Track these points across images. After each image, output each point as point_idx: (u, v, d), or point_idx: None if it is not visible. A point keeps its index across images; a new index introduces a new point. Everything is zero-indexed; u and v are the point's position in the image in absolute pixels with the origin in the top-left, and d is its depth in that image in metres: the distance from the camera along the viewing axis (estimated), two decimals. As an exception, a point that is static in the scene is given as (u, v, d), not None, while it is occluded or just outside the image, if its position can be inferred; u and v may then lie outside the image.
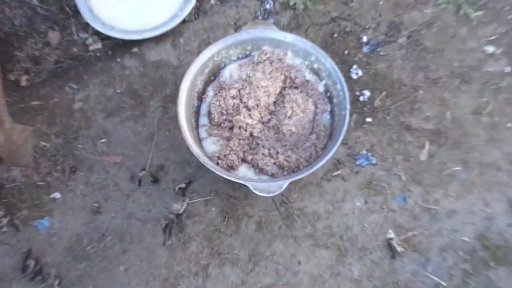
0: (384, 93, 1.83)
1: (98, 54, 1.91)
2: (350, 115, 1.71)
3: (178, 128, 1.52)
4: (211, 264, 1.62)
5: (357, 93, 1.84)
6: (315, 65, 1.64)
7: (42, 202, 1.69)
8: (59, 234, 1.66)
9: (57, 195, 1.70)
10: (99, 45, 1.90)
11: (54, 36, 1.91)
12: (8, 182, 1.70)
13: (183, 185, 1.71)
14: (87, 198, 1.70)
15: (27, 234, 1.65)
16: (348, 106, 1.51)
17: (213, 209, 1.68)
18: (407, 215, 1.67)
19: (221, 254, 1.63)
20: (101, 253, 1.63)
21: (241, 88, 1.63)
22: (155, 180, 1.72)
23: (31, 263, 1.61)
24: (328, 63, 1.58)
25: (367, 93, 1.83)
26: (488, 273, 1.60)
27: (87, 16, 1.84)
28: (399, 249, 1.63)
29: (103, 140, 1.77)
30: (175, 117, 1.69)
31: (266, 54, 1.66)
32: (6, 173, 1.70)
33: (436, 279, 1.60)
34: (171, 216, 1.67)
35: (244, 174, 1.57)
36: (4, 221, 1.65)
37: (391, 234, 1.65)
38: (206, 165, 1.44)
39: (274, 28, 1.65)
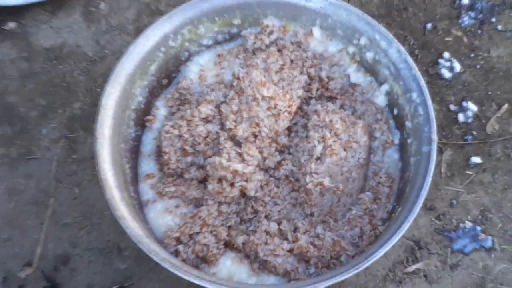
0: (506, 107, 1.91)
1: None
2: (440, 152, 1.78)
3: (96, 181, 1.58)
4: None
5: (453, 107, 1.92)
6: (369, 55, 1.72)
7: None
8: None
9: None
10: None
11: None
12: None
13: (108, 296, 1.77)
14: None
15: None
16: (434, 134, 1.56)
17: None
18: None
19: None
20: None
21: (222, 102, 1.69)
22: (52, 286, 1.76)
23: None
24: (393, 49, 1.65)
25: (472, 107, 1.91)
26: None
27: None
28: None
29: None
30: (91, 160, 1.74)
31: (271, 33, 1.74)
32: None
33: None
34: None
35: (230, 273, 1.61)
36: None
37: None
38: (153, 257, 1.45)
39: None
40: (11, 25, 1.94)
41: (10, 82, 1.92)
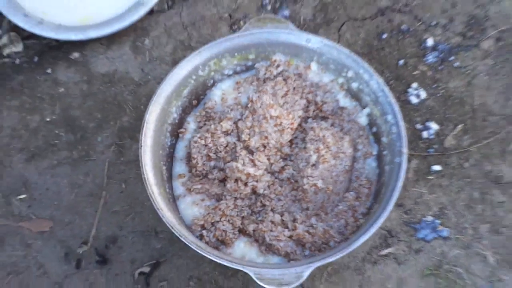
0: (460, 126, 1.91)
1: (18, 61, 2.00)
2: (408, 161, 1.76)
3: (139, 179, 1.59)
4: None
5: (419, 126, 1.91)
6: (354, 84, 1.71)
7: None
8: None
9: None
10: (19, 48, 2.00)
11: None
12: None
13: (146, 269, 1.77)
14: (-5, 287, 1.75)
15: None
16: (404, 148, 1.55)
17: (193, 307, 1.75)
18: (499, 319, 1.73)
19: None
20: None
21: (239, 119, 1.70)
22: (103, 261, 1.77)
23: None
24: (373, 81, 1.65)
25: (433, 126, 1.91)
26: None
27: (1, 4, 1.94)
28: None
29: (22, 196, 1.85)
30: (136, 162, 1.79)
31: (278, 66, 1.74)
32: None
33: None
34: (127, 318, 1.73)
35: (243, 253, 1.62)
36: None
37: None
38: (183, 240, 1.47)
39: (291, 26, 1.73)
40: (75, 55, 1.95)
41: (73, 100, 1.93)
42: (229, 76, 1.79)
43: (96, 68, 1.96)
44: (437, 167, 1.86)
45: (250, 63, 1.78)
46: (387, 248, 1.79)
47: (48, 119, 1.91)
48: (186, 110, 1.76)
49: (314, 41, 1.70)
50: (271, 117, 1.65)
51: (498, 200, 1.84)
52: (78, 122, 1.91)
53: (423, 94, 1.94)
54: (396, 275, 1.76)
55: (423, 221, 1.81)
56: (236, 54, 1.74)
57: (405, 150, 1.55)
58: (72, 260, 1.77)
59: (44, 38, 1.94)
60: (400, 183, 1.50)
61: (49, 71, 1.96)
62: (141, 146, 1.57)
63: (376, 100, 1.66)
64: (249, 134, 1.65)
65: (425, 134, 1.91)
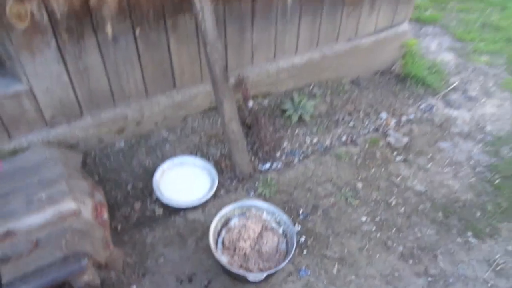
0: (312, 238, 2.49)
1: (161, 215, 2.40)
2: (295, 248, 2.12)
3: (208, 248, 2.12)
4: None
5: (299, 238, 2.30)
6: (278, 219, 2.17)
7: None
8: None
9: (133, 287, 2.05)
10: (161, 211, 2.60)
11: (137, 206, 2.62)
12: (107, 278, 2.09)
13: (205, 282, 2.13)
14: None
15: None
16: (294, 242, 2.04)
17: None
18: None
19: None
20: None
21: (240, 229, 2.12)
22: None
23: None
24: (285, 218, 2.14)
25: (303, 239, 2.32)
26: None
27: (158, 195, 2.58)
28: None
29: (162, 260, 2.18)
30: (208, 246, 2.24)
31: (253, 213, 2.18)
32: (107, 274, 2.23)
33: None
34: None
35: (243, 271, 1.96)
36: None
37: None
38: (221, 263, 1.92)
39: (257, 200, 2.21)
40: (181, 213, 2.32)
41: (180, 227, 2.37)
42: (237, 215, 2.24)
43: (189, 217, 2.29)
44: (304, 251, 2.38)
45: (244, 212, 2.21)
46: (289, 276, 2.25)
47: (171, 234, 2.40)
48: (222, 227, 2.17)
49: (265, 205, 2.19)
50: (251, 228, 2.15)
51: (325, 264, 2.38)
52: (183, 234, 2.38)
53: (299, 227, 2.46)
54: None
55: (301, 269, 2.29)
56: (239, 209, 2.20)
57: (294, 242, 2.04)
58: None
59: (171, 207, 2.32)
60: (292, 252, 2.00)
61: (172, 218, 2.39)
62: (209, 237, 2.07)
63: (286, 224, 2.15)
64: (244, 233, 2.18)
65: (300, 241, 2.39)
